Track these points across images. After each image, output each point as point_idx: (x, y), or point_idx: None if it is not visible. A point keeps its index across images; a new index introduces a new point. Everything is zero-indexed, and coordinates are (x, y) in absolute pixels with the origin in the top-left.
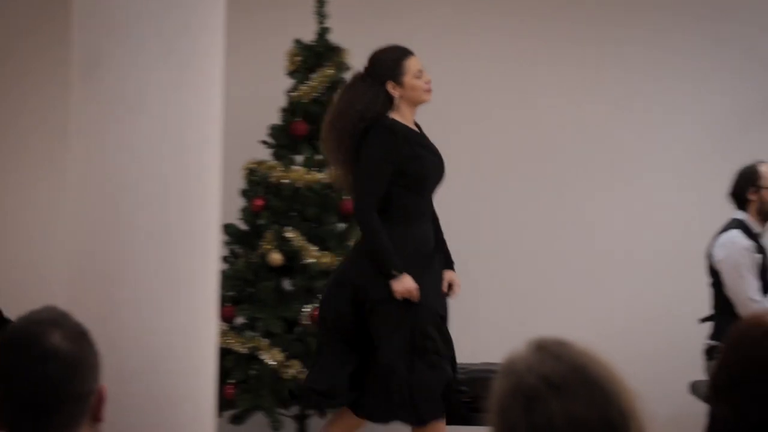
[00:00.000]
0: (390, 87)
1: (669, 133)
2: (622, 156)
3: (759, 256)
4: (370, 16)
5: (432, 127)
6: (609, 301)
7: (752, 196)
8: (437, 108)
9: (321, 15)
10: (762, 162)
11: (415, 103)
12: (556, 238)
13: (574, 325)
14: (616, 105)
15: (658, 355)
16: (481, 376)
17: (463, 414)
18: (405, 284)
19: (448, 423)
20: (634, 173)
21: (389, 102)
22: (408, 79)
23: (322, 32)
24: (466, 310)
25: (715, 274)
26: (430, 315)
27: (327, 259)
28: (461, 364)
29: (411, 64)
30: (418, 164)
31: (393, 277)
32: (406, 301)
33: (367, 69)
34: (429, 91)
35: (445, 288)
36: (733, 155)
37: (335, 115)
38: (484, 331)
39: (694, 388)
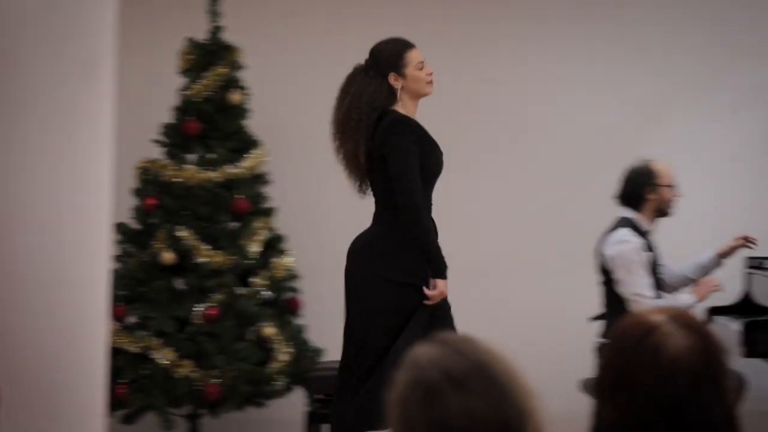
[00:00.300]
0: (392, 79)
1: (558, 133)
2: (511, 156)
3: (650, 254)
4: (263, 15)
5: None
6: (500, 300)
7: (651, 196)
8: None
9: (214, 14)
10: (651, 160)
11: (417, 95)
12: (444, 237)
13: (466, 323)
14: (504, 105)
15: (550, 353)
16: None
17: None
18: (443, 287)
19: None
20: (524, 172)
21: (393, 95)
22: (410, 70)
23: (215, 31)
24: None
25: (605, 272)
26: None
27: (219, 258)
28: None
29: (413, 56)
30: (432, 158)
31: (442, 276)
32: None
33: (367, 62)
34: (431, 83)
35: None
36: (621, 154)
37: (345, 112)
38: None
39: (585, 386)
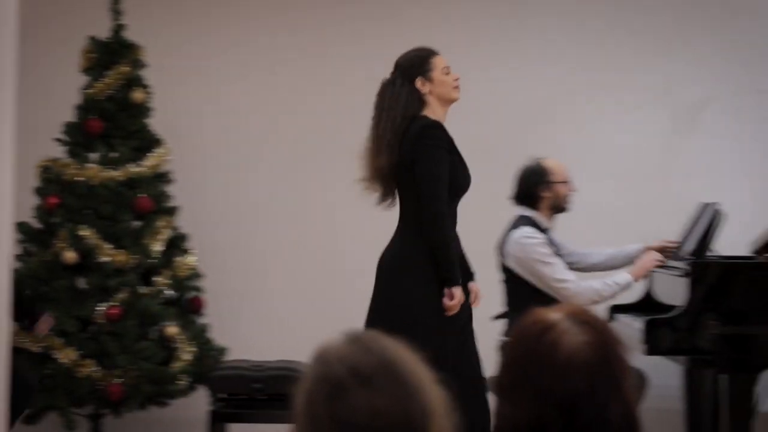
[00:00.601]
0: (419, 84)
1: (454, 133)
2: None
3: (554, 250)
4: (165, 14)
5: (198, 121)
6: None
7: (545, 193)
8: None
9: (116, 12)
10: (543, 158)
11: (445, 100)
12: (352, 237)
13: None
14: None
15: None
16: (276, 374)
17: (260, 412)
18: (460, 296)
19: (246, 421)
20: None
21: (422, 101)
22: (437, 74)
23: (117, 29)
24: (262, 309)
25: (507, 270)
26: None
27: (122, 257)
28: (257, 362)
29: (438, 61)
30: (460, 171)
31: (456, 285)
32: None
33: (393, 74)
34: (457, 87)
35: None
36: (515, 154)
37: (383, 128)
38: (279, 329)
39: (489, 384)
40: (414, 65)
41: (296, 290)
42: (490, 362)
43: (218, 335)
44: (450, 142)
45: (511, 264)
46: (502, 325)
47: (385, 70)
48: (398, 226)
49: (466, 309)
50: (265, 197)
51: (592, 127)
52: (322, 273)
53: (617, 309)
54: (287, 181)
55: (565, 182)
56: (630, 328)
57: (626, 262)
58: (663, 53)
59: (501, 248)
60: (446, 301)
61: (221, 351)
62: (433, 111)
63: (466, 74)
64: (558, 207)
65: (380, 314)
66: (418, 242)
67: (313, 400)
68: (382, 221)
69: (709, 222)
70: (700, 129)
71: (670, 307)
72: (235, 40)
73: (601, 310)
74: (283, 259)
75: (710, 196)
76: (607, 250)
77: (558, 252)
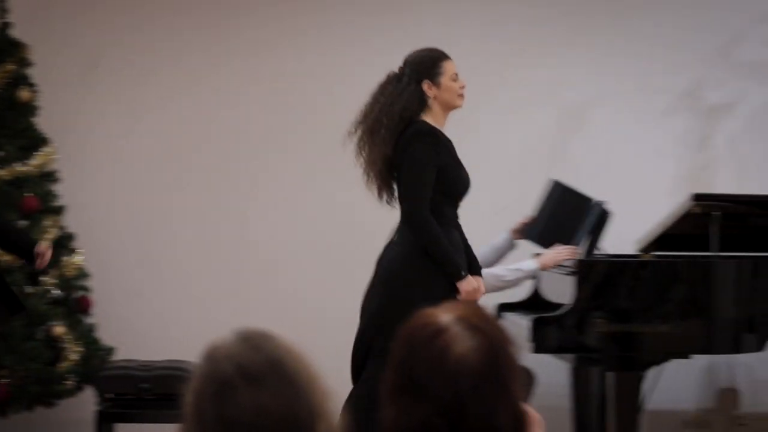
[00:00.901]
0: (426, 86)
1: (338, 133)
2: (305, 156)
3: None
4: (51, 11)
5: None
6: (292, 299)
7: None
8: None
9: (2, 10)
10: None
11: (448, 106)
12: (240, 236)
13: (260, 322)
14: (271, 103)
15: (343, 351)
16: (164, 374)
17: (148, 412)
18: (472, 284)
19: (134, 421)
20: (319, 172)
21: (424, 103)
22: (445, 80)
23: (3, 27)
24: (150, 308)
25: None
26: None
27: (8, 256)
28: (145, 361)
29: (448, 66)
30: (457, 173)
31: (461, 278)
32: None
33: (401, 69)
34: (462, 96)
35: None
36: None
37: (375, 118)
38: (167, 328)
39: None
40: (424, 66)
41: (184, 289)
42: None
43: (106, 335)
44: (446, 147)
45: None
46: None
47: (273, 58)
48: (398, 225)
49: None
50: (152, 197)
51: (483, 126)
52: (210, 272)
53: (504, 307)
54: (175, 180)
55: None
56: (517, 326)
57: (498, 255)
58: (551, 52)
59: None
60: (462, 295)
61: (109, 351)
62: (433, 115)
63: (367, 74)
64: None
65: (381, 312)
66: (415, 241)
67: (201, 399)
68: (271, 221)
69: (596, 220)
70: (588, 127)
71: (558, 306)
72: (122, 37)
73: (489, 308)
74: (171, 259)
75: (598, 194)
76: (482, 248)
77: None
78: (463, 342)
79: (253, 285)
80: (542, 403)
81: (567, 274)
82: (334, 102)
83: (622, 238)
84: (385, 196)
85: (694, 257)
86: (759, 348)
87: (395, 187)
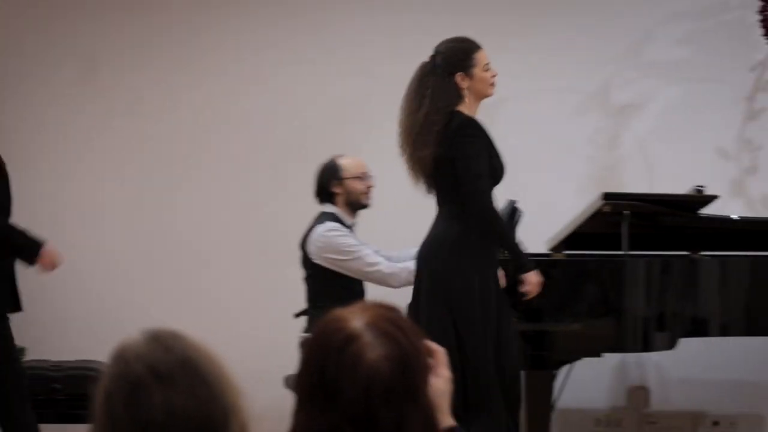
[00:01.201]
0: (459, 78)
1: (262, 131)
2: (220, 152)
3: None
4: None
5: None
6: (206, 294)
7: (337, 189)
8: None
9: None
10: (340, 156)
11: (480, 96)
12: (149, 236)
13: (173, 321)
14: (198, 105)
15: (256, 348)
16: (76, 374)
17: (60, 412)
18: (538, 277)
19: (45, 422)
20: (234, 168)
21: (460, 95)
22: (478, 70)
23: None
24: (60, 309)
25: (310, 267)
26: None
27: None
28: (56, 362)
29: (480, 57)
30: (497, 160)
31: (530, 269)
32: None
33: (434, 59)
34: (493, 84)
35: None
36: (322, 152)
37: (424, 116)
38: (78, 328)
39: (288, 382)
40: (457, 58)
41: (94, 290)
42: (291, 359)
43: (16, 335)
44: (487, 136)
45: (316, 259)
46: (303, 322)
47: (200, 61)
48: (437, 218)
49: (497, 297)
50: (59, 196)
51: (386, 128)
52: (120, 272)
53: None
54: (91, 179)
55: (358, 178)
56: None
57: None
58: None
59: (304, 244)
60: (524, 288)
61: (19, 351)
62: (467, 106)
63: (280, 70)
64: (354, 203)
65: (427, 305)
66: (456, 234)
67: (111, 399)
68: (186, 222)
69: (507, 220)
70: (500, 126)
71: None
72: (25, 34)
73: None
74: (80, 259)
75: (509, 193)
76: (409, 250)
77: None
78: (374, 350)
79: (166, 285)
80: None
81: None
82: (256, 104)
83: (532, 237)
84: (429, 189)
85: (604, 256)
86: (669, 346)
87: (437, 182)
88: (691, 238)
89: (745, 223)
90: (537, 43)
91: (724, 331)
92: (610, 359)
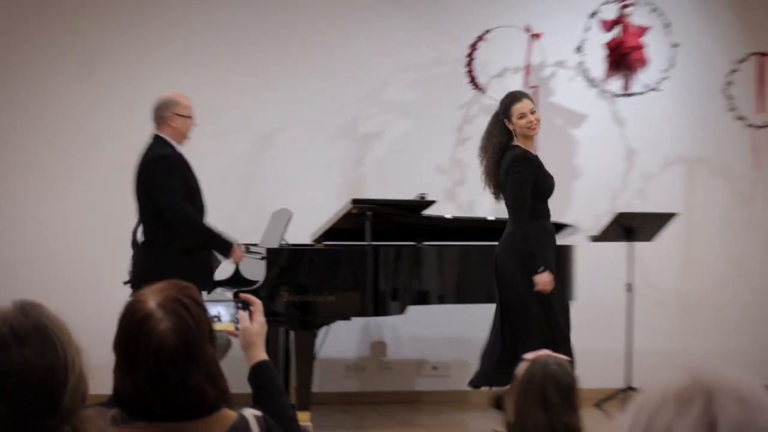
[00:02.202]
0: (506, 123)
1: (105, 130)
2: (76, 163)
3: None
4: None
5: None
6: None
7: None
8: None
9: None
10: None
11: (525, 135)
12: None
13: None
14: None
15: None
16: None
17: None
18: (543, 278)
19: None
20: (89, 178)
21: (511, 134)
22: (515, 119)
23: None
24: None
25: (136, 245)
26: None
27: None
28: None
29: (516, 108)
30: (545, 180)
31: (535, 273)
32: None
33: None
34: (531, 128)
35: None
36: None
37: (484, 146)
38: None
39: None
40: (502, 108)
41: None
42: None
43: None
44: (535, 163)
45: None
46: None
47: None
48: (507, 222)
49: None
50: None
51: (199, 147)
52: None
53: (216, 283)
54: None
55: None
56: (224, 298)
57: None
58: (246, 87)
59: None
60: (537, 286)
61: None
62: (521, 140)
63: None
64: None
65: (501, 293)
66: (511, 237)
67: None
68: (42, 217)
69: (282, 221)
70: (276, 150)
71: (254, 282)
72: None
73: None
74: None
75: (284, 202)
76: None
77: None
78: (162, 324)
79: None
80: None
81: (261, 259)
82: (90, 109)
83: (301, 232)
84: (497, 199)
85: (353, 246)
86: (400, 311)
87: (502, 195)
88: (416, 233)
89: (456, 221)
90: (300, 85)
91: (441, 300)
92: (357, 321)
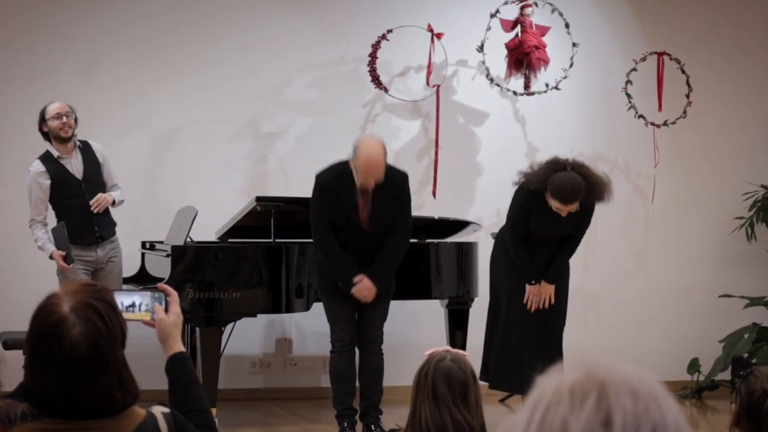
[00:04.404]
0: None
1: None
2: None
3: None
4: None
5: None
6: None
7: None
8: None
9: None
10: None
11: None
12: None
13: None
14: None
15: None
16: None
17: None
18: (534, 289)
19: None
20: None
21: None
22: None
23: None
24: None
25: None
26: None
27: None
28: None
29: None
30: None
31: (529, 283)
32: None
33: None
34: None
35: None
36: None
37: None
38: None
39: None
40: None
41: None
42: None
43: None
44: (528, 200)
45: None
46: None
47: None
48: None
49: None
50: None
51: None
52: None
53: (123, 280)
54: None
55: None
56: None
57: None
58: (149, 89)
59: None
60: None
61: None
62: (531, 185)
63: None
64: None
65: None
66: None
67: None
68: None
69: (187, 218)
70: (176, 149)
71: (160, 279)
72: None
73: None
74: None
75: (189, 200)
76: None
77: None
78: (75, 330)
79: None
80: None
81: (165, 257)
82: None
83: (205, 230)
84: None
85: (258, 243)
86: (305, 308)
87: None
88: None
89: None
90: (205, 84)
91: None
92: (263, 318)
